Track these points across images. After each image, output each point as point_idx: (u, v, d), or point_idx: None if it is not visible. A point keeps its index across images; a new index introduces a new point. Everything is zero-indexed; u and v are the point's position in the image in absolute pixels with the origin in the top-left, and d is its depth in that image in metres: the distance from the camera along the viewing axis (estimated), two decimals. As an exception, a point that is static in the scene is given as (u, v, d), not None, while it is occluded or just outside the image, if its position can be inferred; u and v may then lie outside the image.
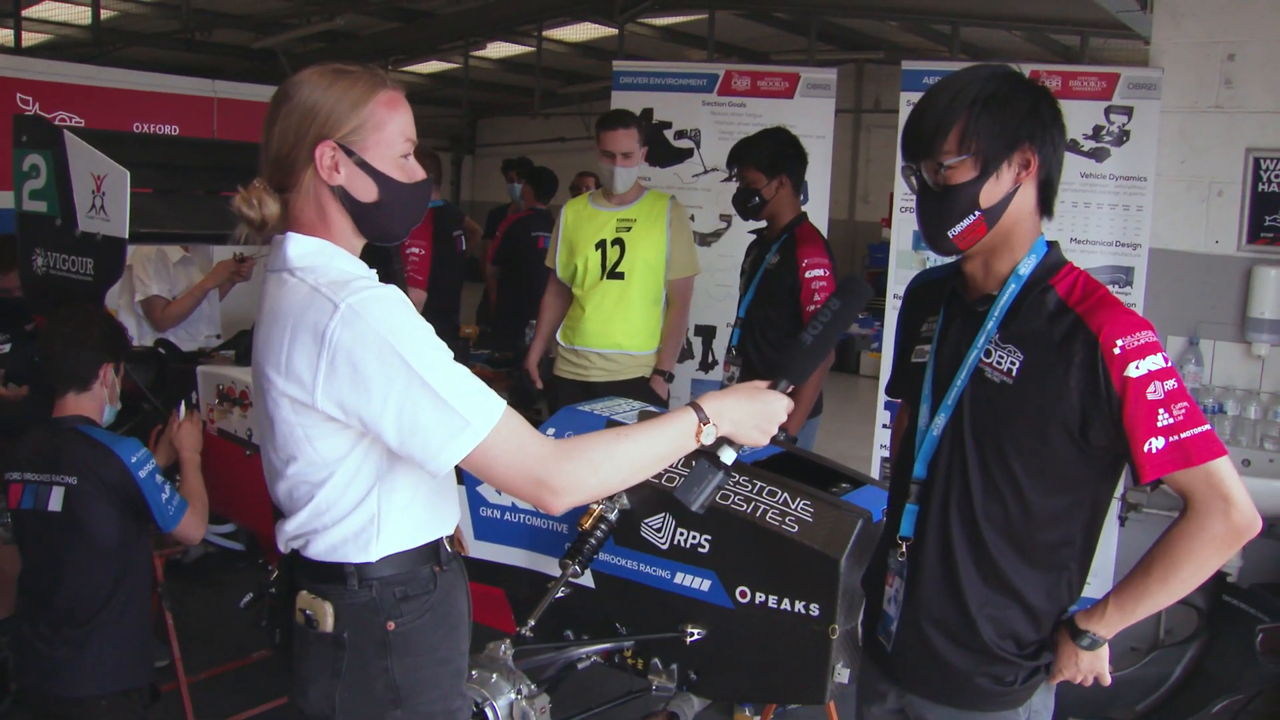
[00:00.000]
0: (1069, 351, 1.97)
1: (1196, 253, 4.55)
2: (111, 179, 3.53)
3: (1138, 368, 1.92)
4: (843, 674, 2.73)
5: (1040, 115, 2.03)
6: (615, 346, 4.64)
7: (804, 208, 4.82)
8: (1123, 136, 4.63)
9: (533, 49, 13.50)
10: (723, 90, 5.77)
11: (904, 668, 2.25)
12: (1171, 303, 4.60)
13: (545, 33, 12.94)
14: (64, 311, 3.44)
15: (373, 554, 1.95)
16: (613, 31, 11.65)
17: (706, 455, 2.04)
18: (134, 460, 3.19)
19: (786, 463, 3.19)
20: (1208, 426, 1.94)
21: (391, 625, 1.96)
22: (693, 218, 5.59)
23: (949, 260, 2.28)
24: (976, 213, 2.02)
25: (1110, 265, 4.71)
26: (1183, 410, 1.92)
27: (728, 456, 2.05)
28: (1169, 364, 1.94)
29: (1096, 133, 4.67)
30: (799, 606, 2.74)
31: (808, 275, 4.30)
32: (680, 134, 5.87)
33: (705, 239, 5.77)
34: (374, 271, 1.99)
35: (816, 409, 4.57)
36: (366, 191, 1.94)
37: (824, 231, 4.79)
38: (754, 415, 2.02)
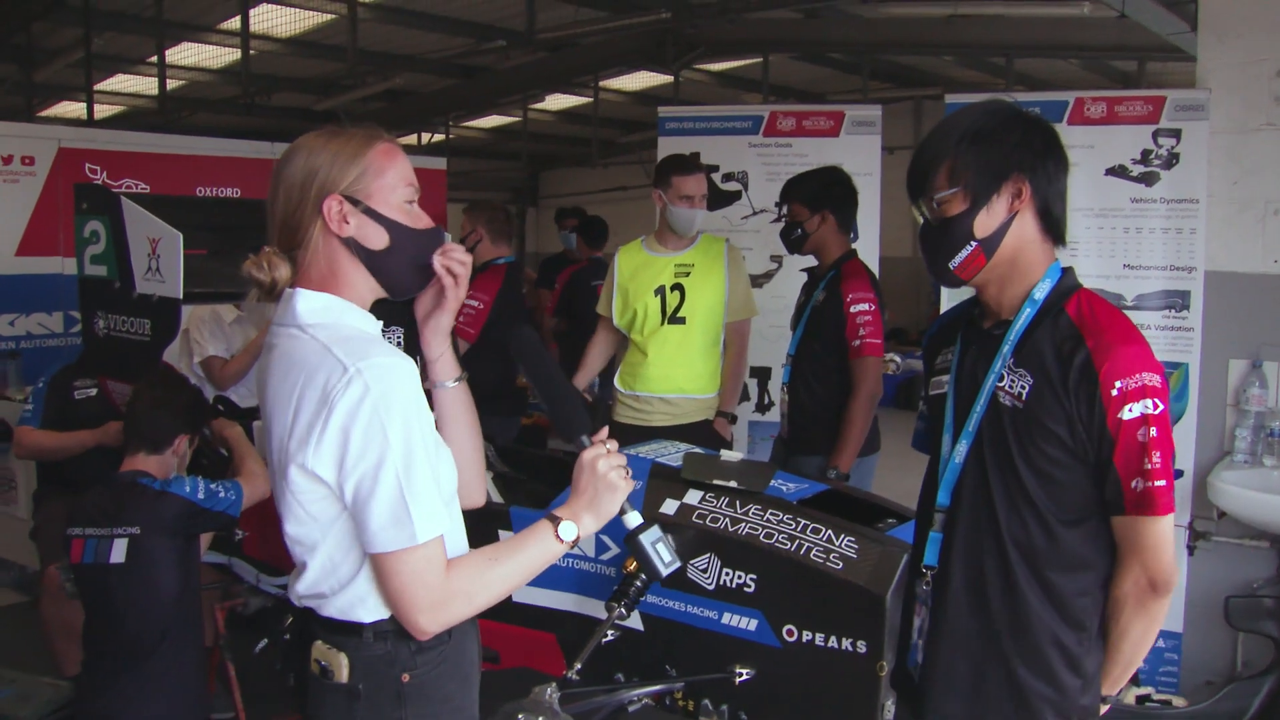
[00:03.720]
0: (1075, 384, 2.01)
1: (1255, 273, 4.45)
2: (165, 242, 3.64)
3: (1130, 410, 1.97)
4: (893, 710, 2.70)
5: (1031, 145, 2.09)
6: (678, 391, 4.64)
7: (854, 245, 4.82)
8: (1172, 159, 4.56)
9: (590, 99, 13.64)
10: (768, 131, 5.78)
11: (931, 699, 2.22)
12: (1232, 326, 4.51)
13: (602, 83, 13.07)
14: (157, 375, 3.58)
15: (385, 613, 1.94)
16: (669, 79, 11.74)
17: (626, 538, 2.12)
18: (188, 490, 3.34)
19: (831, 500, 3.17)
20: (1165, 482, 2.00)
21: (406, 677, 1.96)
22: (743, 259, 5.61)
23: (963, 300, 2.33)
24: (973, 243, 2.09)
25: (1165, 290, 4.61)
26: (1158, 459, 1.98)
27: (633, 520, 2.11)
28: (1159, 410, 1.99)
29: (1145, 157, 4.60)
30: (846, 644, 2.72)
31: (852, 310, 4.29)
32: (728, 176, 5.88)
33: (757, 280, 5.76)
34: (380, 323, 2.01)
35: (874, 446, 4.54)
36: (377, 239, 1.96)
37: (875, 270, 4.77)
38: (591, 482, 2.02)
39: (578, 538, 2.00)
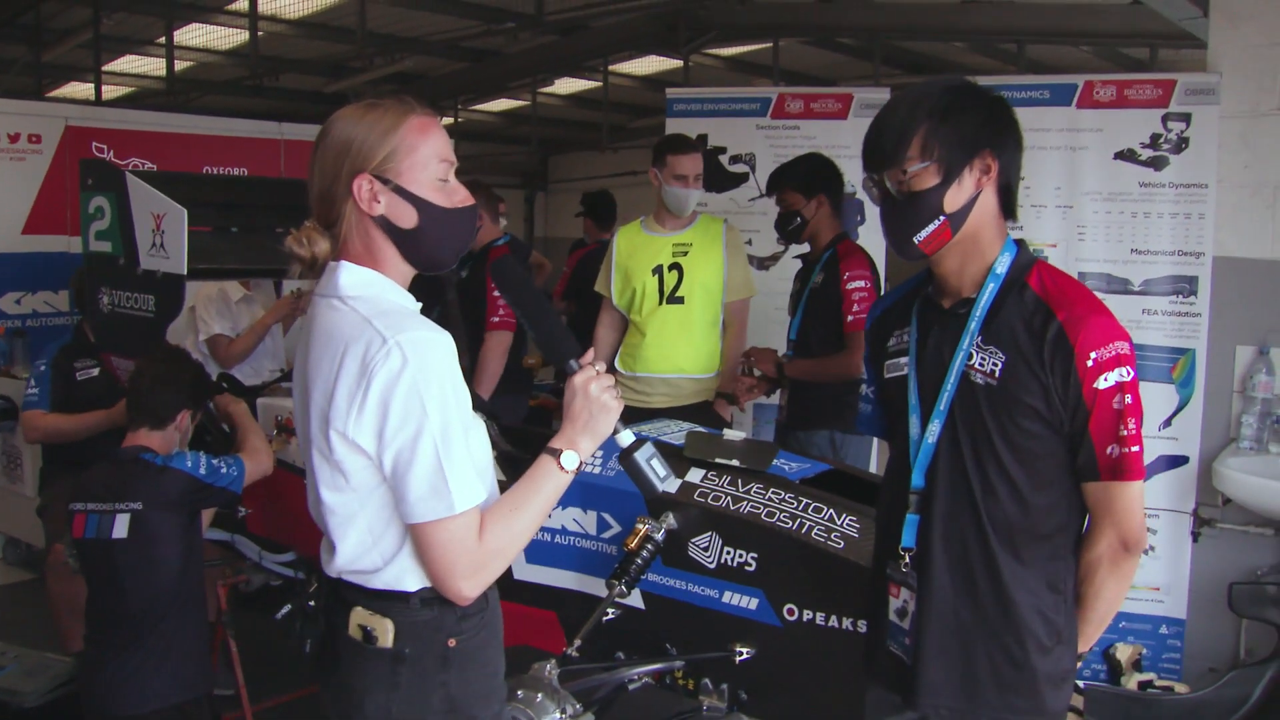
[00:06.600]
0: (1050, 356, 2.04)
1: (1264, 259, 4.44)
2: (170, 217, 3.63)
3: (1106, 379, 2.02)
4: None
5: (998, 123, 2.13)
6: (678, 371, 4.63)
7: (862, 229, 4.80)
8: (1181, 144, 4.54)
9: (600, 84, 13.58)
10: (776, 113, 5.73)
11: (925, 681, 2.21)
12: (1240, 312, 4.50)
13: (612, 67, 13.01)
14: (160, 351, 3.59)
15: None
16: (679, 64, 11.69)
17: (621, 456, 2.12)
18: (190, 465, 3.36)
19: (833, 480, 3.17)
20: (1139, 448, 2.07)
21: (453, 642, 2.01)
22: (750, 241, 5.57)
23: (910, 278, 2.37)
24: (941, 218, 2.11)
25: (1173, 275, 4.60)
26: (1133, 425, 2.04)
27: (626, 438, 2.11)
28: (1131, 377, 2.04)
29: (1154, 141, 4.58)
30: (847, 623, 2.72)
31: (848, 287, 4.33)
32: (735, 158, 5.84)
33: (763, 262, 5.74)
34: (419, 305, 2.04)
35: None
36: (407, 218, 1.98)
37: (882, 256, 4.76)
38: (585, 405, 2.04)
39: (581, 463, 2.03)
